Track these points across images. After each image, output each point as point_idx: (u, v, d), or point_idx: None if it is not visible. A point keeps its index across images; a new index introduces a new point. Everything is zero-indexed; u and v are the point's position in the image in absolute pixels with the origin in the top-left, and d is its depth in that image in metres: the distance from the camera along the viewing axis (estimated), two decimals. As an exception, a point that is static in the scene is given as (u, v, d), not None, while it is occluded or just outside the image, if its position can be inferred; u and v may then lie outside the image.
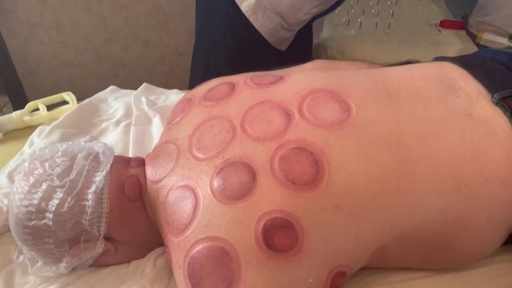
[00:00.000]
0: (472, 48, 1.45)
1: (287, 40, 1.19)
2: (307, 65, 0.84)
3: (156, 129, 0.87)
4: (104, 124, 0.91)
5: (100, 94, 1.00)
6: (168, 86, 2.10)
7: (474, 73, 0.62)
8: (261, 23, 1.09)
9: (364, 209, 0.51)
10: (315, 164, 0.52)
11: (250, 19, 1.08)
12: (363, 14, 1.58)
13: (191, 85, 1.24)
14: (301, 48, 1.30)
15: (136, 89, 1.03)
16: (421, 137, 0.54)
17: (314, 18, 1.20)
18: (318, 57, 1.54)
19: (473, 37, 1.51)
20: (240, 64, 0.81)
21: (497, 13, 1.46)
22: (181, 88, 2.13)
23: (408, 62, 1.32)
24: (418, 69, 0.66)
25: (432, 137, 0.54)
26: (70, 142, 0.66)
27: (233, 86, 0.67)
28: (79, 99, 0.99)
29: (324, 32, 1.56)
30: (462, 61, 0.65)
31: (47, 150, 0.63)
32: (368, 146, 0.54)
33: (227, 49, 1.17)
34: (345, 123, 0.56)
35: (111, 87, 1.03)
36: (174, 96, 0.99)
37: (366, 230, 0.51)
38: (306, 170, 0.51)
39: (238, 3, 1.06)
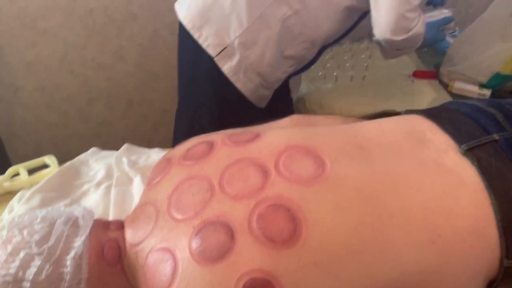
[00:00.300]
0: (445, 97, 1.51)
1: (267, 98, 1.23)
2: (284, 121, 0.86)
3: (137, 189, 0.88)
4: (85, 187, 0.91)
5: (81, 157, 1.01)
6: (152, 142, 2.12)
7: (442, 125, 0.65)
8: (243, 84, 1.14)
9: (343, 264, 0.51)
10: (292, 221, 0.53)
11: (232, 80, 1.13)
12: (338, 68, 1.64)
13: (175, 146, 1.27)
14: (280, 104, 1.34)
15: (119, 147, 1.04)
16: (394, 190, 0.56)
17: (291, 75, 1.25)
18: (298, 110, 1.58)
19: (445, 85, 1.57)
20: (224, 125, 0.84)
21: (465, 63, 1.53)
22: (165, 144, 2.15)
23: (384, 113, 1.37)
24: (388, 124, 0.68)
25: (405, 190, 0.56)
26: (49, 208, 0.66)
27: (211, 145, 0.68)
28: (62, 160, 1.00)
29: (303, 86, 1.61)
30: (430, 114, 0.68)
31: (26, 217, 0.62)
32: (344, 201, 0.55)
33: (212, 111, 1.20)
34: (320, 178, 0.57)
35: (93, 149, 1.04)
36: (155, 155, 1.00)
37: (346, 286, 0.51)
38: (284, 227, 0.52)
39: (220, 65, 1.11)
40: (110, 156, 1.00)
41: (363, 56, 1.71)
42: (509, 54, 1.44)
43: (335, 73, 1.60)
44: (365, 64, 1.65)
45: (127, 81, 1.90)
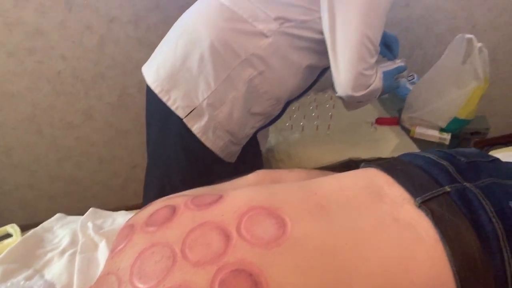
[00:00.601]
0: (407, 142, 1.56)
1: (236, 153, 1.25)
2: (250, 177, 0.87)
3: (103, 254, 0.86)
4: (49, 255, 0.89)
5: (46, 224, 0.99)
6: (123, 198, 2.09)
7: (398, 179, 0.67)
8: (213, 142, 1.16)
9: (307, 326, 0.51)
10: (254, 286, 0.52)
11: (202, 139, 1.15)
12: (304, 118, 1.69)
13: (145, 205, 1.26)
14: (250, 157, 1.36)
15: (90, 205, 1.04)
16: (353, 248, 0.57)
17: (259, 129, 1.28)
18: (268, 161, 1.61)
19: (407, 131, 1.63)
20: (196, 183, 0.84)
21: (424, 109, 1.60)
22: (136, 200, 2.13)
23: (350, 161, 1.40)
24: (347, 179, 0.70)
25: (364, 247, 0.57)
26: (8, 283, 0.64)
27: (173, 210, 0.69)
28: (30, 222, 0.97)
29: (271, 137, 1.64)
30: (386, 167, 0.71)
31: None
32: (305, 262, 0.55)
33: (183, 170, 1.21)
34: (282, 239, 0.57)
35: (57, 215, 1.02)
36: (121, 218, 0.99)
37: None
38: (246, 293, 0.52)
39: (189, 126, 1.13)
40: (76, 221, 0.98)
41: (327, 105, 1.77)
42: (464, 100, 1.52)
43: (301, 123, 1.64)
44: (330, 114, 1.70)
45: (97, 139, 1.90)
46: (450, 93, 1.54)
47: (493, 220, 0.59)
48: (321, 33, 1.13)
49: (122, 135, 1.93)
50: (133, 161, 2.03)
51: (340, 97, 1.21)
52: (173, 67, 1.13)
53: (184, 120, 1.13)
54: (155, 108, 1.20)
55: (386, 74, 1.27)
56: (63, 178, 1.97)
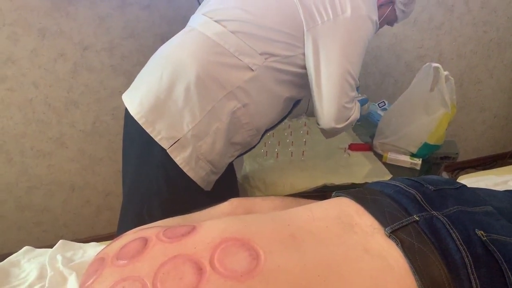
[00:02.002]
0: (380, 167, 1.59)
1: (214, 181, 1.26)
2: (224, 206, 0.87)
3: (72, 289, 0.83)
4: (15, 291, 0.85)
5: (12, 257, 0.95)
6: (95, 227, 2.04)
7: (368, 208, 0.68)
8: (195, 172, 1.17)
9: None
10: (228, 320, 0.52)
11: (185, 170, 1.15)
12: (279, 144, 1.70)
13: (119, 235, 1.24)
14: (226, 185, 1.37)
15: (60, 235, 1.00)
16: (325, 280, 0.57)
17: (236, 158, 1.30)
18: (243, 188, 1.60)
19: (379, 156, 1.66)
20: (174, 212, 0.84)
21: (395, 135, 1.64)
22: (109, 228, 2.09)
23: (325, 187, 1.42)
24: (319, 209, 0.71)
25: (335, 279, 0.57)
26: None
27: (145, 242, 0.67)
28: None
29: (246, 164, 1.65)
30: (357, 196, 0.72)
31: None
32: None
33: (163, 199, 1.20)
34: (255, 272, 0.57)
35: (25, 248, 0.99)
36: (91, 250, 0.96)
37: None
38: (219, 327, 0.51)
39: (172, 156, 1.13)
40: (44, 254, 0.95)
41: (302, 132, 1.79)
42: (433, 126, 1.56)
43: (276, 150, 1.66)
44: (304, 140, 1.73)
45: (69, 167, 1.87)
46: (419, 119, 1.58)
47: (461, 248, 0.61)
48: (303, 67, 1.20)
49: (95, 162, 1.90)
50: (106, 189, 2.00)
51: (322, 128, 1.27)
52: (157, 99, 1.13)
53: (168, 151, 1.13)
54: (136, 136, 1.19)
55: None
56: (33, 207, 1.91)
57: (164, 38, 1.69)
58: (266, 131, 1.32)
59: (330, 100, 1.19)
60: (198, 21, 1.20)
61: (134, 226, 0.77)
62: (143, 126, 1.13)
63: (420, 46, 2.19)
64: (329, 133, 1.31)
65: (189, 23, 1.27)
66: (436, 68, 1.51)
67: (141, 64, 1.70)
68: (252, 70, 1.14)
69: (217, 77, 1.12)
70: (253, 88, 1.16)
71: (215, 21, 1.16)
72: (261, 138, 1.32)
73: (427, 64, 1.55)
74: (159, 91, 1.12)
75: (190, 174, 1.16)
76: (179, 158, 1.14)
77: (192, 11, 1.31)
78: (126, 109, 1.21)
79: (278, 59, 1.16)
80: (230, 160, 1.28)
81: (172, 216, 0.82)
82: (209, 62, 1.12)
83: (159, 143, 1.12)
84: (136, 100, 1.17)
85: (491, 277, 0.60)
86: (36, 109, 1.68)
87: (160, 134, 1.12)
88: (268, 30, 1.15)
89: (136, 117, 1.14)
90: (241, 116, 1.18)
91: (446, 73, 1.50)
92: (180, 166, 1.15)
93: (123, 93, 1.25)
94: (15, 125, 1.69)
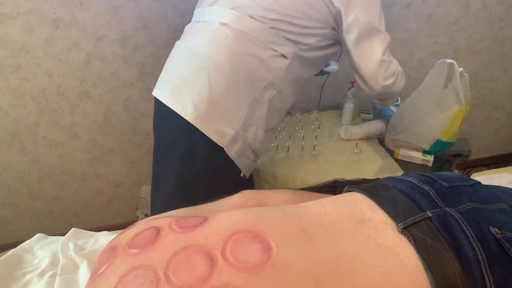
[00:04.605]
0: (392, 163, 1.58)
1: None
2: (235, 197, 0.87)
3: (83, 276, 0.84)
4: (28, 277, 0.87)
5: (25, 244, 0.97)
6: (105, 217, 2.07)
7: (380, 204, 0.67)
8: (243, 163, 1.23)
9: None
10: (239, 310, 0.52)
11: (236, 162, 1.21)
12: (290, 139, 1.69)
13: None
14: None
15: (71, 224, 1.01)
16: (337, 274, 0.57)
17: None
18: (254, 181, 1.60)
19: (391, 153, 1.65)
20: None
21: (408, 131, 1.62)
22: (119, 219, 2.10)
23: (335, 182, 1.41)
24: (331, 204, 0.71)
25: (347, 273, 0.57)
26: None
27: (157, 231, 0.68)
28: (11, 241, 0.95)
29: (256, 157, 1.65)
30: (369, 192, 0.71)
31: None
32: (289, 287, 0.55)
33: (209, 194, 1.21)
34: (267, 264, 0.57)
35: (38, 235, 1.00)
36: (103, 238, 0.97)
37: None
38: (231, 317, 0.51)
39: (229, 154, 1.18)
40: (57, 242, 0.97)
41: (313, 126, 1.78)
42: (446, 123, 1.55)
43: (287, 144, 1.65)
44: (315, 134, 1.72)
45: (80, 157, 1.88)
46: (432, 116, 1.57)
47: (474, 245, 0.60)
48: (325, 47, 1.30)
49: (106, 153, 1.91)
50: (117, 180, 2.01)
51: (376, 94, 1.35)
52: (211, 100, 1.14)
53: (225, 148, 1.17)
54: (180, 138, 1.21)
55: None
56: (44, 197, 1.93)
57: (176, 30, 1.69)
58: None
59: (369, 56, 1.26)
60: (227, 16, 1.20)
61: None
62: (202, 130, 1.15)
63: (434, 42, 2.16)
64: (384, 95, 1.38)
65: (208, 17, 1.26)
66: (451, 64, 1.49)
67: (154, 55, 1.72)
68: (287, 58, 1.21)
69: (257, 69, 1.18)
70: (288, 74, 1.23)
71: (249, 16, 1.18)
72: None
73: (441, 60, 1.53)
74: (212, 93, 1.14)
75: (240, 165, 1.22)
76: (233, 152, 1.19)
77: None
78: (159, 113, 1.29)
79: (306, 48, 1.24)
80: (266, 146, 1.35)
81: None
82: (248, 55, 1.17)
83: (217, 142, 1.15)
84: (189, 104, 1.16)
85: (505, 274, 0.59)
86: (49, 99, 1.70)
87: (217, 134, 1.15)
88: (295, 18, 1.20)
89: (194, 122, 1.15)
90: (276, 102, 1.25)
91: (460, 69, 1.48)
92: (235, 161, 1.20)
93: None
94: (28, 114, 1.70)
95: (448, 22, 2.13)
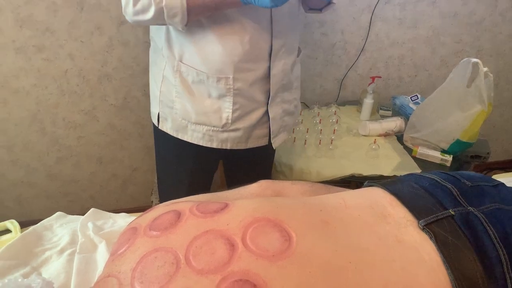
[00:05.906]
0: (409, 161, 1.57)
1: None
2: (253, 187, 0.88)
3: (101, 256, 0.85)
4: (47, 253, 0.88)
5: (45, 221, 0.98)
6: (120, 201, 2.08)
7: (402, 199, 0.67)
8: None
9: None
10: (258, 297, 0.52)
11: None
12: (307, 132, 1.69)
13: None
14: (267, 166, 1.41)
15: (86, 206, 1.03)
16: (356, 267, 0.57)
17: None
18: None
19: (409, 150, 1.64)
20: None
21: (427, 130, 1.61)
22: (133, 203, 2.12)
23: (352, 177, 1.40)
24: (351, 198, 0.71)
25: (366, 267, 0.57)
26: (6, 279, 0.63)
27: (178, 215, 0.68)
28: (26, 219, 0.97)
29: (273, 148, 1.64)
30: (391, 187, 0.71)
31: (-20, 291, 0.60)
32: (308, 277, 0.55)
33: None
34: (286, 253, 0.57)
35: (58, 213, 1.01)
36: (121, 220, 0.98)
37: None
38: (249, 303, 0.52)
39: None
40: (76, 221, 0.98)
41: (331, 120, 1.78)
42: (468, 123, 1.53)
43: (305, 137, 1.65)
44: (333, 128, 1.71)
45: (98, 140, 1.90)
46: (453, 115, 1.55)
47: (497, 246, 0.60)
48: None
49: (124, 137, 1.93)
50: (133, 164, 2.03)
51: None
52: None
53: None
54: None
55: None
56: (61, 178, 1.96)
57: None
58: None
59: None
60: None
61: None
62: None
63: (458, 40, 2.13)
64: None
65: None
66: (475, 64, 1.47)
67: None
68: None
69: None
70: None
71: None
72: None
73: (466, 59, 1.50)
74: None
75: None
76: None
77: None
78: None
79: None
80: None
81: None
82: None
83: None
84: None
85: (527, 277, 0.59)
86: (70, 81, 1.71)
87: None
88: None
89: None
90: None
91: (485, 69, 1.46)
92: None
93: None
94: (50, 95, 1.72)
95: (474, 21, 2.09)
